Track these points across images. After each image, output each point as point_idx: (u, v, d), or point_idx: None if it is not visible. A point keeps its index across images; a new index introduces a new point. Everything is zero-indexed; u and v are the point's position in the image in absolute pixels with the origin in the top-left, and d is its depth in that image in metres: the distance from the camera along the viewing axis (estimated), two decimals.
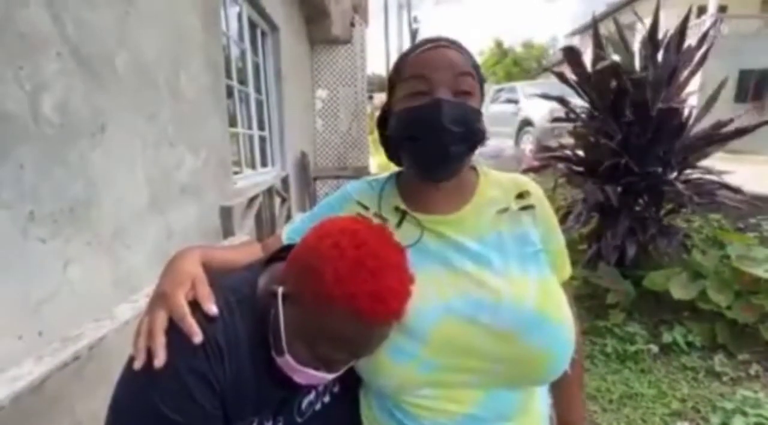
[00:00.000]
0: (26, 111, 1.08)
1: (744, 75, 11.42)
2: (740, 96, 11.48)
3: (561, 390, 0.73)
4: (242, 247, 0.75)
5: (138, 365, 0.50)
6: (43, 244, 1.12)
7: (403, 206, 0.67)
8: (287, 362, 0.54)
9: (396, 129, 0.63)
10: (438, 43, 0.62)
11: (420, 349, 0.58)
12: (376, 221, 0.66)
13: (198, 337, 0.51)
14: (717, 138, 2.51)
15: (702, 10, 11.45)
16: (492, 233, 0.64)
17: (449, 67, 0.59)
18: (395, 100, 0.64)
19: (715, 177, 2.48)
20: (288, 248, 0.64)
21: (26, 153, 1.08)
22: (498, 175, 0.71)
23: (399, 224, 0.66)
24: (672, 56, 2.51)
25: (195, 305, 0.53)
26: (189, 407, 0.50)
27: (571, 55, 2.64)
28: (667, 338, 2.26)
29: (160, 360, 0.49)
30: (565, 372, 0.62)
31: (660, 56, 2.54)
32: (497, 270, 0.61)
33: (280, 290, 0.54)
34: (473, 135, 0.60)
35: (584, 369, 2.06)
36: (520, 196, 0.67)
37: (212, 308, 0.53)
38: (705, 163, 2.58)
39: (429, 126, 0.58)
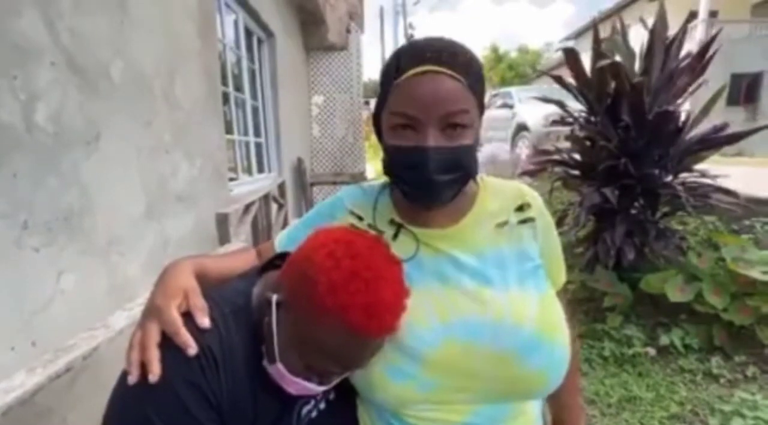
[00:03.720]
0: (20, 120, 1.08)
1: (735, 79, 11.56)
2: (732, 99, 11.62)
3: (558, 395, 0.73)
4: (236, 255, 0.74)
5: (132, 379, 0.49)
6: (37, 253, 1.12)
7: (398, 219, 0.65)
8: (279, 371, 0.53)
9: (385, 162, 0.61)
10: (430, 67, 0.54)
11: (419, 370, 0.57)
12: (370, 233, 0.64)
13: (192, 349, 0.50)
14: (713, 142, 2.54)
15: (693, 15, 11.61)
16: (491, 248, 0.62)
17: (438, 105, 0.53)
18: (384, 126, 0.60)
19: (710, 180, 2.50)
20: (284, 255, 0.64)
21: (20, 162, 1.07)
22: (499, 184, 0.69)
23: (395, 237, 0.64)
24: (672, 61, 2.54)
25: (189, 317, 0.53)
26: (184, 419, 0.49)
27: (570, 56, 2.65)
28: (664, 340, 2.26)
29: (154, 374, 0.48)
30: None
31: (659, 61, 2.57)
32: (496, 288, 0.60)
33: (275, 298, 0.53)
34: (465, 175, 0.58)
35: (580, 373, 2.06)
36: (520, 208, 0.65)
37: (205, 321, 0.53)
38: (700, 165, 2.60)
39: (415, 173, 0.56)
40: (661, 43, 2.54)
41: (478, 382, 0.58)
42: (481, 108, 0.60)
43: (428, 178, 0.55)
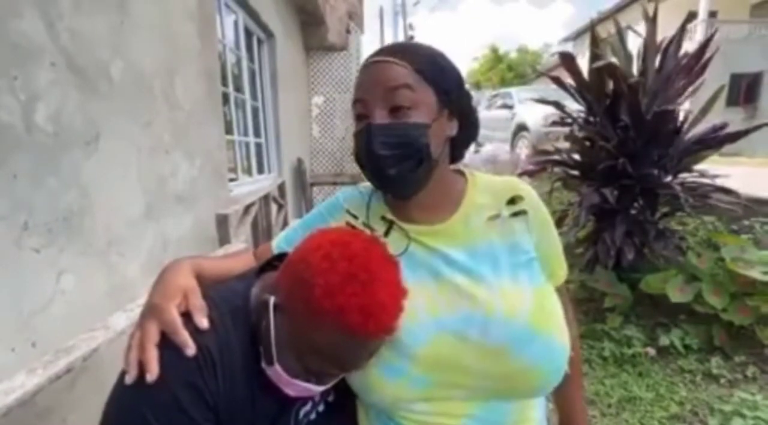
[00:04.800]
0: (20, 121, 1.08)
1: (735, 79, 11.58)
2: (732, 99, 11.63)
3: (561, 395, 0.73)
4: (234, 256, 0.74)
5: (129, 379, 0.49)
6: (37, 254, 1.12)
7: (390, 216, 0.66)
8: (277, 372, 0.53)
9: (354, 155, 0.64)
10: (375, 58, 0.60)
11: (410, 366, 0.57)
12: (364, 230, 0.65)
13: (191, 349, 0.50)
14: (712, 142, 2.54)
15: (693, 15, 11.62)
16: (483, 243, 0.62)
17: (380, 85, 0.58)
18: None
19: (709, 180, 2.51)
20: (283, 256, 0.64)
21: (20, 163, 1.07)
22: (488, 179, 0.69)
23: (386, 233, 0.65)
24: (670, 62, 2.54)
25: (187, 317, 0.53)
26: (180, 419, 0.49)
27: (566, 59, 2.66)
28: (664, 341, 2.26)
29: (152, 373, 0.48)
30: (565, 375, 0.61)
31: (657, 61, 2.57)
32: (489, 283, 0.59)
33: (272, 300, 0.53)
34: (414, 153, 0.58)
35: (582, 372, 2.06)
36: (512, 201, 0.65)
37: (203, 321, 0.53)
38: (700, 165, 2.60)
39: (364, 154, 0.59)
40: (654, 45, 2.54)
41: (471, 378, 0.57)
42: (443, 95, 0.60)
43: (373, 153, 0.57)
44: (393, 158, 0.57)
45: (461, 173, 0.69)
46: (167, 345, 0.51)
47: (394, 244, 0.62)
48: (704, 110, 2.62)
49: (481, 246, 0.62)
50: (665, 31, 2.61)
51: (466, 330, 0.57)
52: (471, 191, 0.66)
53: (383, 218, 0.66)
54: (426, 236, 0.63)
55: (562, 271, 0.69)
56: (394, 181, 0.59)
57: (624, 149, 2.46)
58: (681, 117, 2.53)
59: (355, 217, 0.68)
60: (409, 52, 0.60)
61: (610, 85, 2.49)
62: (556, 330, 0.59)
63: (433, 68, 0.60)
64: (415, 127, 0.58)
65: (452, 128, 0.64)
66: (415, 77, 0.58)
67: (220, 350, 0.53)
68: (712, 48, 2.50)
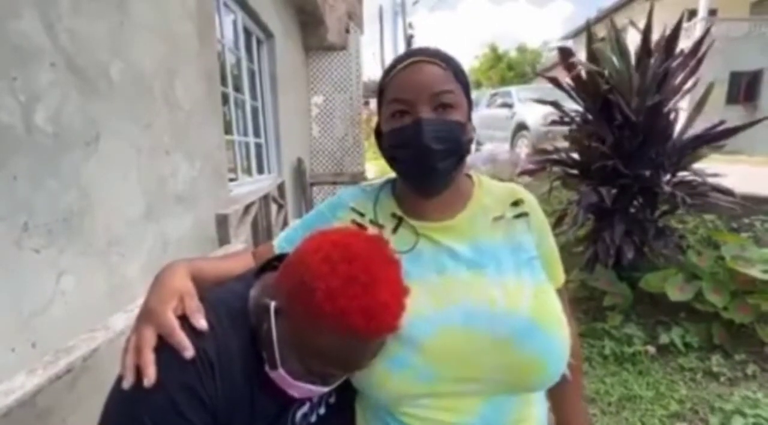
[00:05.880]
0: (20, 122, 1.08)
1: (735, 77, 11.59)
2: (732, 97, 11.63)
3: (560, 395, 0.73)
4: (233, 256, 0.74)
5: (127, 383, 0.49)
6: (37, 254, 1.12)
7: (399, 213, 0.68)
8: (281, 376, 0.53)
9: (385, 149, 0.66)
10: (416, 58, 0.62)
11: (416, 358, 0.57)
12: (371, 228, 0.66)
13: (189, 352, 0.50)
14: (708, 139, 2.54)
15: (692, 14, 11.61)
16: (487, 240, 0.65)
17: (428, 86, 0.60)
18: (382, 120, 0.66)
19: (706, 179, 2.50)
20: (282, 256, 0.64)
21: (20, 164, 1.07)
22: (492, 183, 0.73)
23: (395, 230, 0.67)
24: (667, 60, 2.53)
25: (184, 320, 0.53)
26: (178, 423, 0.49)
27: (566, 56, 2.66)
28: (664, 339, 2.26)
29: (149, 377, 0.48)
30: (564, 376, 0.62)
31: (653, 60, 2.57)
32: (492, 277, 0.61)
33: (273, 304, 0.53)
34: (458, 149, 0.62)
35: (583, 372, 2.07)
36: (515, 204, 0.68)
37: (201, 322, 0.53)
38: (699, 164, 2.59)
39: (412, 147, 0.60)
40: (649, 44, 2.54)
41: (477, 370, 0.58)
42: (468, 98, 0.66)
43: (424, 145, 0.59)
44: (443, 152, 0.60)
45: (468, 175, 0.72)
46: (164, 348, 0.50)
47: (402, 240, 0.64)
48: (699, 107, 2.61)
49: (485, 243, 0.65)
50: (665, 28, 2.61)
51: (472, 323, 0.58)
52: (477, 191, 0.70)
53: (393, 214, 0.68)
54: (434, 232, 0.65)
55: (560, 275, 0.72)
56: (436, 175, 0.61)
57: (620, 148, 2.46)
58: (681, 115, 2.52)
59: (362, 215, 0.69)
60: (441, 55, 0.63)
61: (605, 85, 2.49)
62: (557, 327, 0.61)
63: (462, 74, 0.65)
64: (459, 124, 0.62)
65: (471, 132, 0.67)
66: (455, 85, 0.63)
67: (217, 352, 0.52)
68: (708, 43, 2.49)
